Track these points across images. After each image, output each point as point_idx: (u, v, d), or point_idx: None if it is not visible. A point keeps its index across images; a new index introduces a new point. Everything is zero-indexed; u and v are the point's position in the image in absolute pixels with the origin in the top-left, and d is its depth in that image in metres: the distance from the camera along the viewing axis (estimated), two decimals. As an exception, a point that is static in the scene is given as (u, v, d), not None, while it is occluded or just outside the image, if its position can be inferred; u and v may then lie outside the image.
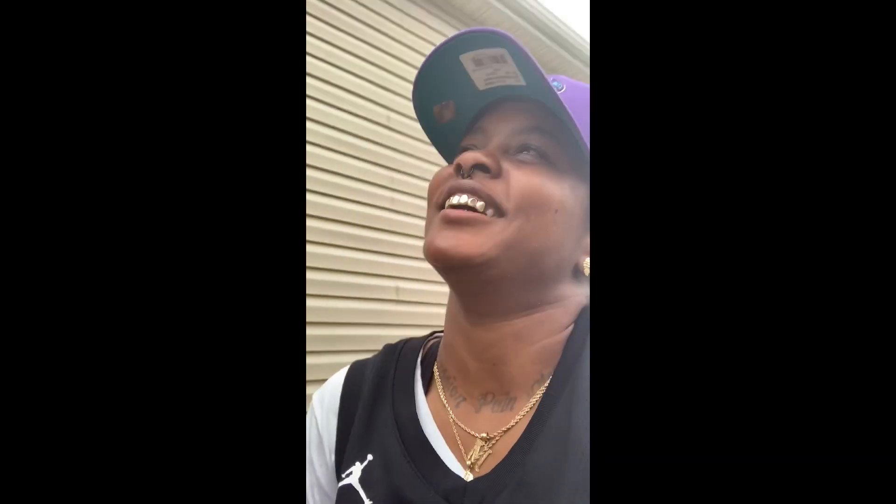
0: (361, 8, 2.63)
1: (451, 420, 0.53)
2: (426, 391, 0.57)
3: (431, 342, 0.62)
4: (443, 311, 0.57)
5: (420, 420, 0.54)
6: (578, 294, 0.54)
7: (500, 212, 0.49)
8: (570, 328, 0.53)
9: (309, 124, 2.29)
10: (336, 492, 0.53)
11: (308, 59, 2.29)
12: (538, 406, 0.50)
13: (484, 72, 0.52)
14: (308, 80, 2.29)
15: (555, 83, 0.53)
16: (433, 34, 2.85)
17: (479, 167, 0.50)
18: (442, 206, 0.51)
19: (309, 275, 2.23)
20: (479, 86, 0.54)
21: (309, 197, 2.27)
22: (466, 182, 0.50)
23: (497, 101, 0.55)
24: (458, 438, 0.52)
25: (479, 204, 0.49)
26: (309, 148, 2.29)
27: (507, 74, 0.52)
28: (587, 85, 0.54)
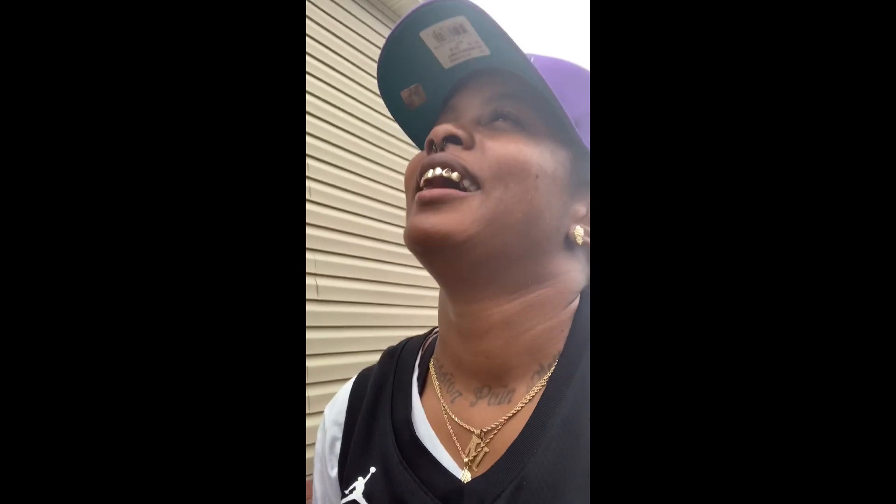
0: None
1: (446, 416, 0.50)
2: (422, 390, 0.54)
3: (431, 339, 0.59)
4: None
5: (414, 422, 0.51)
6: (573, 270, 0.50)
7: (476, 183, 0.46)
8: (569, 312, 0.49)
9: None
10: None
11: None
12: (540, 399, 0.46)
13: (447, 47, 0.49)
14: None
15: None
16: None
17: (451, 139, 0.47)
18: (418, 187, 0.49)
19: (308, 280, 2.51)
20: (444, 63, 0.51)
21: (309, 207, 2.55)
22: (438, 155, 0.47)
23: (465, 76, 0.52)
24: (453, 435, 0.49)
25: (454, 175, 0.46)
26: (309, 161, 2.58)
27: (471, 46, 0.49)
28: (558, 58, 0.51)
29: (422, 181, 0.48)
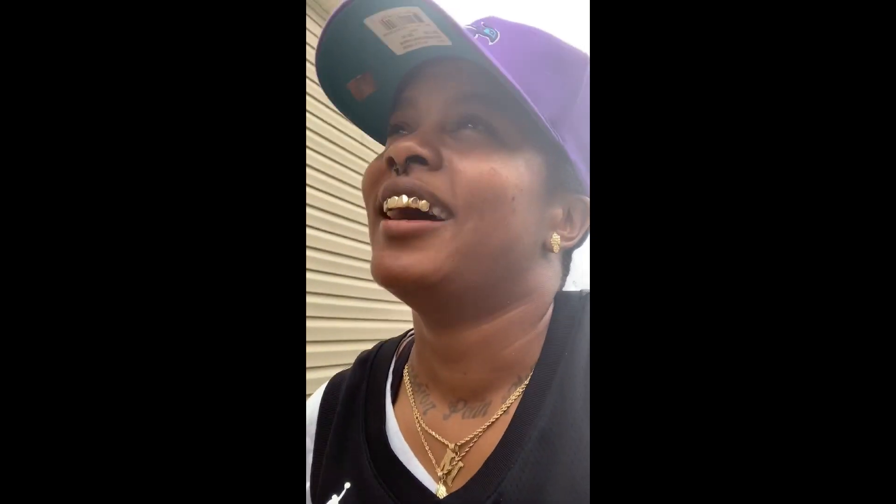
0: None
1: (419, 428, 0.48)
2: (395, 398, 0.51)
3: (406, 341, 0.56)
4: None
5: (388, 435, 0.48)
6: (548, 279, 0.47)
7: (447, 210, 0.41)
8: (545, 321, 0.47)
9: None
10: None
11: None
12: (517, 410, 0.44)
13: (398, 34, 0.45)
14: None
15: (486, 31, 0.44)
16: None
17: (415, 159, 0.42)
18: (381, 210, 0.44)
19: (309, 298, 2.64)
20: (396, 50, 0.46)
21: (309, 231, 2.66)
22: (403, 181, 0.41)
23: (423, 63, 0.46)
24: (427, 448, 0.47)
25: (422, 203, 0.41)
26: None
27: (428, 34, 0.44)
28: (525, 29, 0.45)
29: (385, 206, 0.43)
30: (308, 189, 2.77)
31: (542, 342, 0.46)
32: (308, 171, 2.80)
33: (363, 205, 0.48)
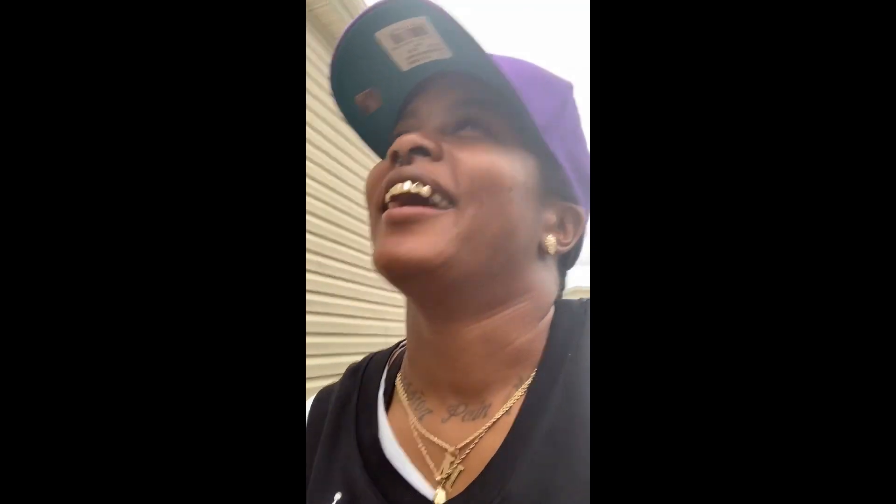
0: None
1: (416, 433, 0.47)
2: (388, 407, 0.51)
3: (398, 352, 0.55)
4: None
5: (382, 442, 0.47)
6: (546, 281, 0.49)
7: (448, 198, 0.43)
8: (546, 323, 0.48)
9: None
10: None
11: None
12: (520, 411, 0.44)
13: (405, 49, 0.47)
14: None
15: None
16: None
17: (418, 150, 0.44)
18: (384, 207, 0.45)
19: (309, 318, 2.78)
20: (401, 66, 0.48)
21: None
22: (406, 169, 0.44)
23: (425, 80, 0.49)
24: (425, 453, 0.46)
25: (425, 189, 0.43)
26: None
27: (431, 47, 0.46)
28: (516, 58, 0.50)
29: (388, 197, 0.45)
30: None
31: (543, 343, 0.47)
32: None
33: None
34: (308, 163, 2.98)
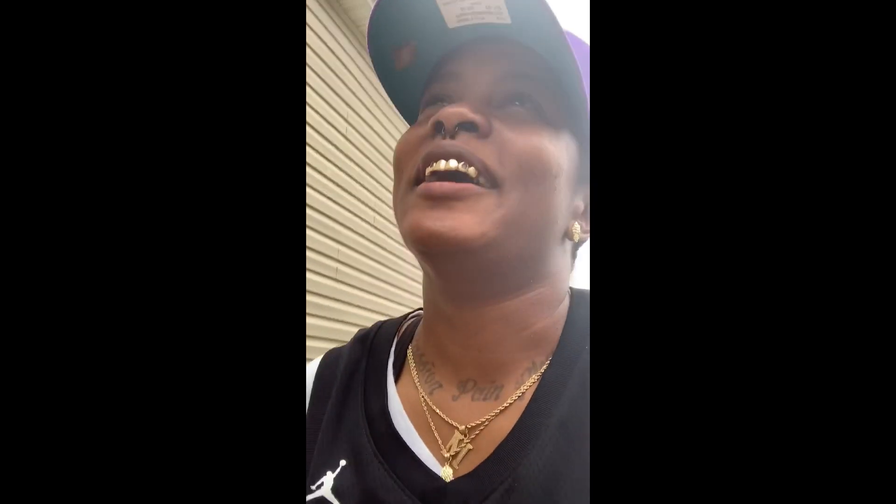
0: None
1: (425, 407, 0.46)
2: (398, 377, 0.50)
3: (407, 324, 0.54)
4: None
5: (391, 413, 0.47)
6: (565, 268, 0.48)
7: (493, 181, 0.41)
8: (563, 310, 0.48)
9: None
10: None
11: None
12: (532, 397, 0.44)
13: (458, 6, 0.43)
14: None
15: None
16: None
17: (466, 125, 0.41)
18: (419, 180, 0.42)
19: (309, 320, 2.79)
20: (449, 23, 0.44)
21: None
22: (451, 144, 0.41)
23: (469, 42, 0.46)
24: (433, 428, 0.45)
25: (471, 169, 0.41)
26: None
27: (488, 9, 0.42)
28: (578, 37, 0.47)
29: (427, 171, 0.42)
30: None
31: (559, 330, 0.47)
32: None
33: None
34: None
